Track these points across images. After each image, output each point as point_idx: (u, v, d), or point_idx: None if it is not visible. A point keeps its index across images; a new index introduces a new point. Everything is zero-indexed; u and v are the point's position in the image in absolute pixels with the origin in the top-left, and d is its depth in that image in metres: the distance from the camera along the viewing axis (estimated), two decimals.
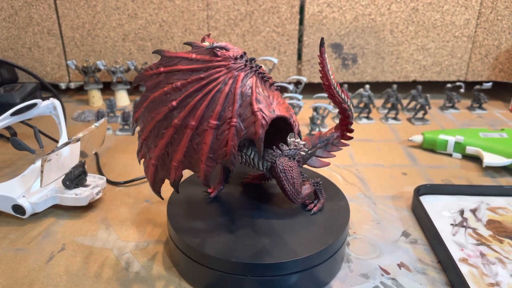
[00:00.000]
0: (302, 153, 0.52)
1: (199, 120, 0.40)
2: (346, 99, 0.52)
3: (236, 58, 0.41)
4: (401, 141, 0.86)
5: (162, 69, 0.42)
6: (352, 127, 0.55)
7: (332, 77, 0.50)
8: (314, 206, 0.52)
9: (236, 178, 0.60)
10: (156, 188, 0.46)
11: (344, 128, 0.54)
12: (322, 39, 0.47)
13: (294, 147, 0.52)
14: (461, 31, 1.04)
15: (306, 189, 0.52)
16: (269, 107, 0.40)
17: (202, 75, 0.40)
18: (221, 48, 0.41)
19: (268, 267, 0.44)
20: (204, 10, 1.02)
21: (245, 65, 0.41)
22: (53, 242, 0.56)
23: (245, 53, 0.42)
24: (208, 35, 0.45)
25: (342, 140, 0.55)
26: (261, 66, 0.43)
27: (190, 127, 0.41)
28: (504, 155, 0.74)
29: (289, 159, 0.51)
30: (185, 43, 0.43)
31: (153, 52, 0.43)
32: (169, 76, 0.41)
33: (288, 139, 0.51)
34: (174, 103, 0.41)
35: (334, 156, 0.55)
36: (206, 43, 0.43)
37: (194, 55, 0.41)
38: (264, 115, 0.40)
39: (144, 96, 0.43)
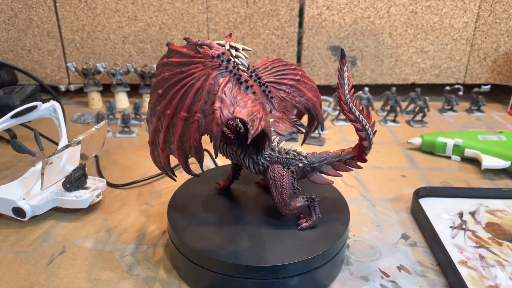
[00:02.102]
0: (300, 164, 0.49)
1: (173, 110, 0.43)
2: (360, 118, 0.47)
3: (213, 57, 0.42)
4: (400, 144, 0.87)
5: (165, 59, 0.44)
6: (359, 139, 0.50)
7: (347, 91, 0.47)
8: (305, 222, 0.50)
9: (248, 179, 0.61)
10: (158, 166, 0.48)
11: (362, 149, 0.49)
12: (342, 50, 0.45)
13: (293, 157, 0.49)
14: (459, 34, 1.04)
15: (298, 202, 0.50)
16: (230, 107, 0.41)
17: (183, 69, 0.43)
18: (205, 45, 0.43)
19: (269, 269, 0.44)
20: (204, 13, 1.02)
21: (220, 65, 0.42)
22: (53, 245, 0.56)
23: (223, 54, 0.42)
24: (230, 35, 0.47)
25: (358, 163, 0.50)
26: (239, 68, 0.43)
27: (167, 115, 0.43)
28: (502, 157, 0.74)
29: (283, 168, 0.49)
30: (184, 39, 0.44)
31: (165, 45, 0.44)
32: (165, 66, 0.44)
33: (287, 147, 0.50)
34: (160, 91, 0.43)
35: (341, 175, 0.51)
36: (222, 42, 0.46)
37: (185, 50, 0.43)
38: (221, 114, 0.41)
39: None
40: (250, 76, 0.53)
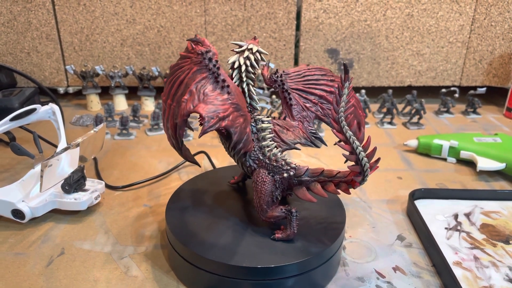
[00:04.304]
0: (285, 174, 0.48)
1: (166, 97, 0.47)
2: (351, 140, 0.43)
3: (198, 53, 0.45)
4: (396, 146, 0.87)
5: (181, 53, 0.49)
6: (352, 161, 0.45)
7: (342, 109, 0.43)
8: (280, 233, 0.49)
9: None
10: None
11: (353, 175, 0.45)
12: (345, 65, 0.42)
13: (280, 165, 0.48)
14: (455, 36, 1.05)
15: (275, 211, 0.48)
16: (194, 101, 0.44)
17: (179, 61, 0.47)
18: (199, 42, 0.46)
19: (265, 270, 0.45)
20: (202, 16, 1.03)
21: (201, 61, 0.45)
22: (52, 247, 0.56)
23: (207, 52, 0.45)
24: (254, 38, 0.50)
25: (350, 189, 0.47)
26: (219, 67, 0.45)
27: (163, 101, 0.47)
28: (497, 159, 0.75)
29: (268, 174, 0.49)
30: (195, 35, 0.48)
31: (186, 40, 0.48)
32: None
33: (278, 154, 0.49)
34: (165, 79, 0.48)
35: (326, 196, 0.48)
36: (242, 43, 0.48)
37: (188, 45, 0.47)
38: (185, 106, 0.44)
39: None
40: (275, 81, 0.54)
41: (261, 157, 0.49)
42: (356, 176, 0.45)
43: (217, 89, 0.45)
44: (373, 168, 0.45)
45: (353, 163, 0.45)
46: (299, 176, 0.48)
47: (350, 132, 0.43)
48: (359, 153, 0.43)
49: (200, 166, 0.53)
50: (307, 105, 0.54)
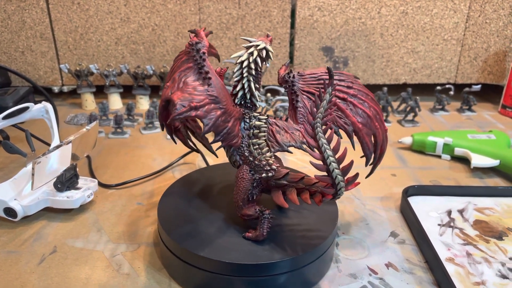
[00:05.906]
0: (263, 174, 0.48)
1: (167, 82, 0.49)
2: (323, 148, 0.41)
3: (189, 44, 0.47)
4: (391, 143, 0.87)
5: None
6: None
7: (320, 115, 0.42)
8: (251, 233, 0.48)
9: None
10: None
11: (323, 186, 0.44)
12: (329, 69, 0.42)
13: (261, 165, 0.48)
14: (450, 34, 1.05)
15: (249, 210, 0.48)
16: (173, 89, 0.46)
17: (180, 51, 0.49)
18: (194, 33, 0.48)
19: (258, 267, 0.45)
20: (196, 14, 1.02)
21: (189, 52, 0.47)
22: (44, 245, 0.56)
23: (196, 43, 0.46)
24: (267, 36, 0.50)
25: (321, 199, 0.46)
26: (205, 59, 0.46)
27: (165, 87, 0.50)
28: (491, 156, 0.75)
29: (249, 171, 0.48)
30: (204, 28, 0.50)
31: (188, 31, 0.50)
32: None
33: (264, 154, 0.48)
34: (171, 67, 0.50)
35: (298, 204, 0.46)
36: (252, 39, 0.49)
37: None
38: (164, 92, 0.47)
39: None
40: (286, 81, 0.53)
41: (246, 154, 0.49)
42: (327, 187, 0.44)
43: (198, 80, 0.46)
44: (352, 183, 0.43)
45: (324, 173, 0.43)
46: (277, 179, 0.48)
47: (324, 140, 0.42)
48: (330, 163, 0.42)
49: (210, 153, 0.55)
50: (316, 109, 0.53)
